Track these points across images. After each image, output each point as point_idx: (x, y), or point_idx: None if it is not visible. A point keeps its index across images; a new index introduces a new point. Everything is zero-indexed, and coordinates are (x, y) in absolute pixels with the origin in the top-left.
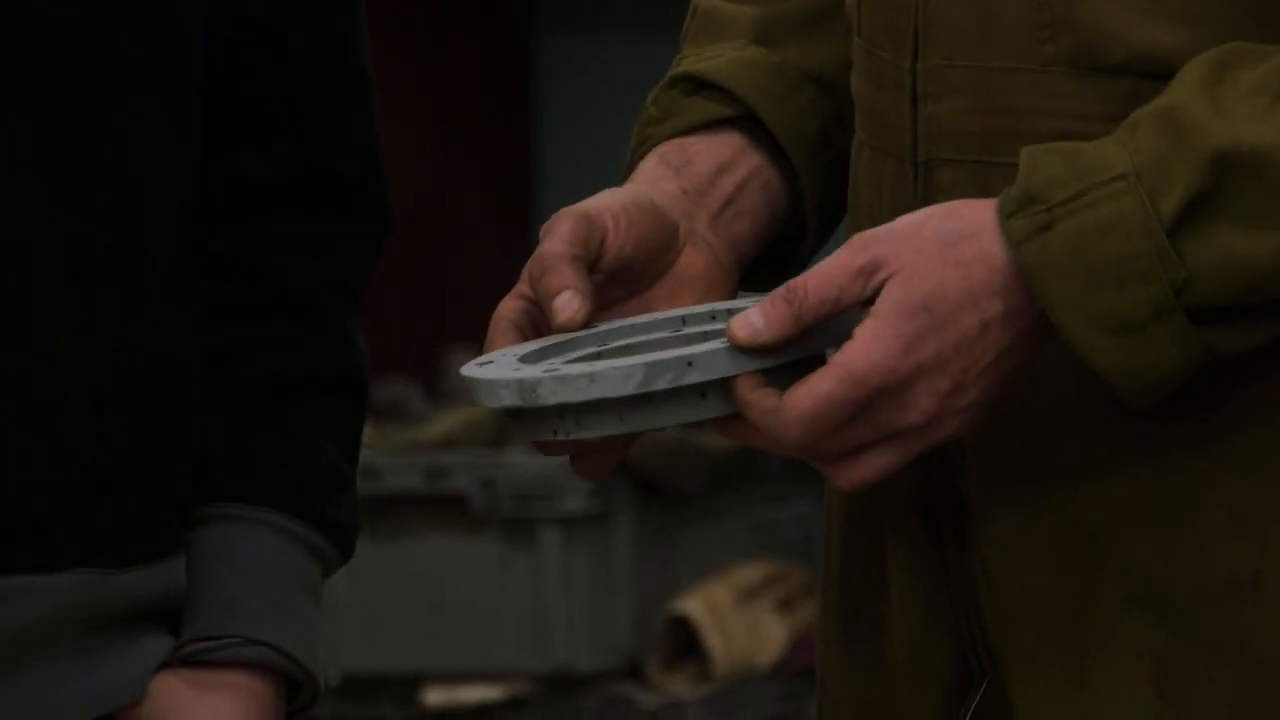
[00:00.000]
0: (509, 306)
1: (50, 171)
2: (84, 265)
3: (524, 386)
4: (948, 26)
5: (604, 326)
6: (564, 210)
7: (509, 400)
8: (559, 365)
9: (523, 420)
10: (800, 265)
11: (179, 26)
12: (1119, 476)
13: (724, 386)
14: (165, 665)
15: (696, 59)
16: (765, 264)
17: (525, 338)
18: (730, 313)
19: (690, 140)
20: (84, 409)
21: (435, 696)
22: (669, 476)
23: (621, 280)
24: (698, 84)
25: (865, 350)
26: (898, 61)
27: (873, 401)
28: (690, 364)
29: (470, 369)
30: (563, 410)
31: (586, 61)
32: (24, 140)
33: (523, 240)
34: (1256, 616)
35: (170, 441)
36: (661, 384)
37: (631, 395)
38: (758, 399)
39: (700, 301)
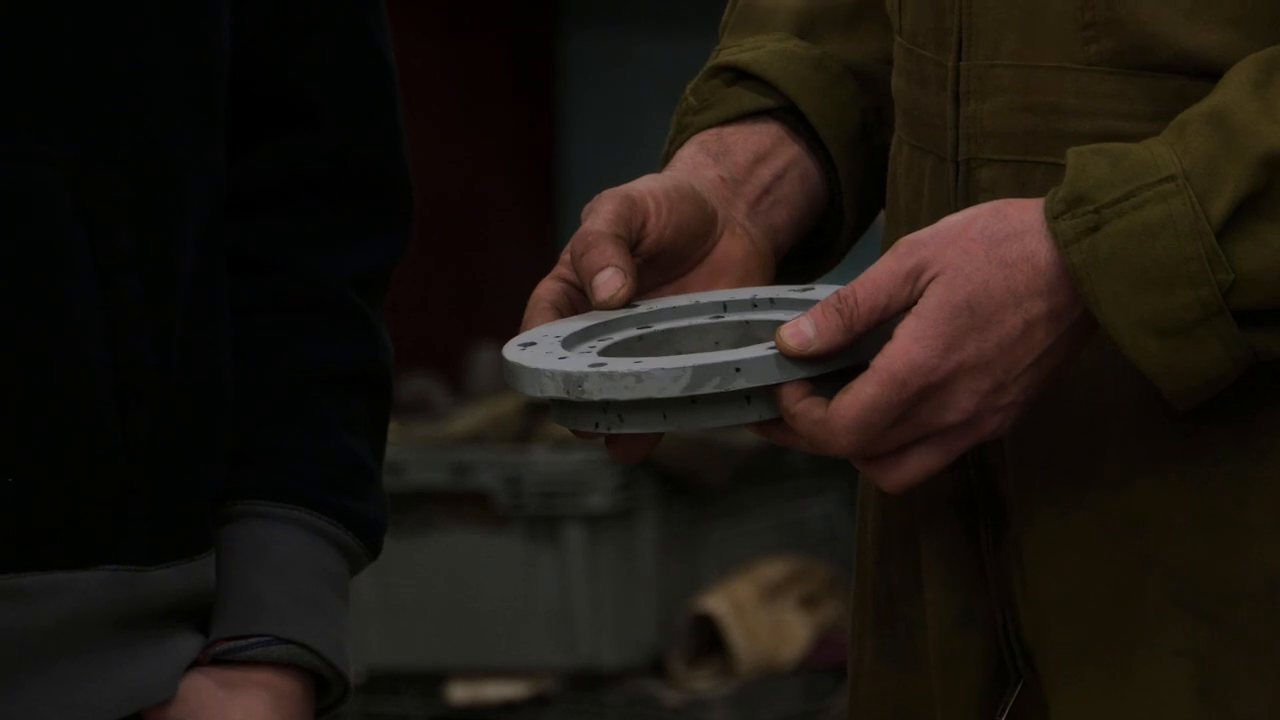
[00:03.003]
0: (547, 287)
1: (77, 169)
2: (111, 262)
3: (570, 380)
4: (992, 25)
5: (644, 308)
6: (607, 191)
7: (553, 392)
8: (604, 359)
9: (565, 410)
10: (837, 257)
11: (205, 23)
12: (1160, 476)
13: (769, 392)
14: (195, 664)
15: (737, 49)
16: (802, 255)
17: (562, 318)
18: (771, 301)
19: (729, 130)
20: (112, 406)
21: (460, 693)
22: (694, 473)
23: (660, 265)
24: (738, 74)
25: (905, 351)
26: (940, 60)
27: (915, 402)
28: (738, 370)
29: (513, 351)
30: (606, 405)
31: (612, 59)
32: (50, 138)
33: (548, 237)
34: None
35: (199, 438)
36: (708, 388)
37: (677, 397)
38: (805, 409)
39: (737, 288)
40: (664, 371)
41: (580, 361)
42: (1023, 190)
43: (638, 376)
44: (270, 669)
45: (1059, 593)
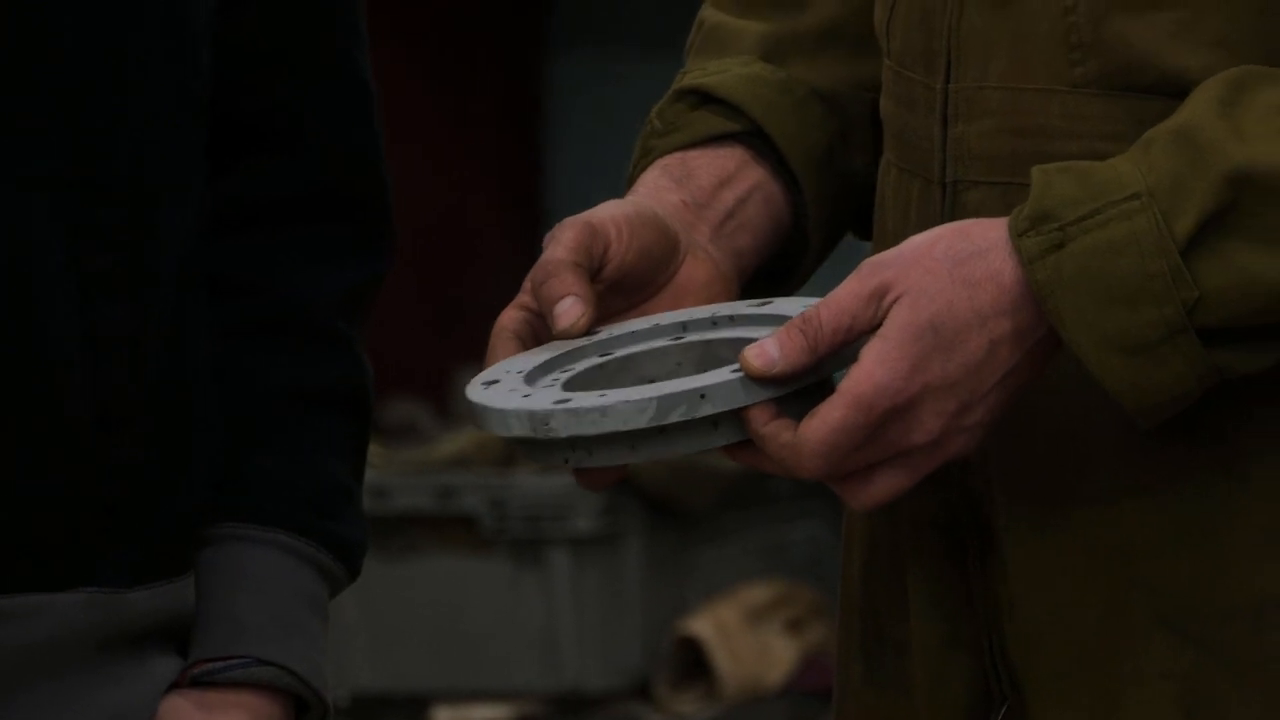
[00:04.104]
0: (510, 317)
1: (57, 189)
2: (91, 282)
3: (535, 419)
4: (981, 48)
5: (604, 334)
6: (568, 219)
7: (520, 431)
8: (568, 394)
9: (533, 447)
10: (802, 280)
11: (187, 47)
12: (1145, 499)
13: (736, 415)
14: (174, 686)
15: (702, 73)
16: (766, 277)
17: (525, 348)
18: (731, 319)
19: (692, 154)
20: (91, 426)
21: (444, 716)
22: (679, 497)
23: (623, 290)
24: (703, 98)
25: (871, 374)
26: (929, 83)
27: (882, 423)
28: (703, 396)
29: (476, 392)
30: (574, 442)
31: (597, 80)
32: (30, 157)
33: (533, 260)
34: None
35: (179, 460)
36: (675, 417)
37: (644, 428)
38: (773, 432)
39: None
40: (629, 404)
41: (545, 398)
42: (1009, 212)
43: (603, 411)
44: (249, 690)
45: (1045, 616)
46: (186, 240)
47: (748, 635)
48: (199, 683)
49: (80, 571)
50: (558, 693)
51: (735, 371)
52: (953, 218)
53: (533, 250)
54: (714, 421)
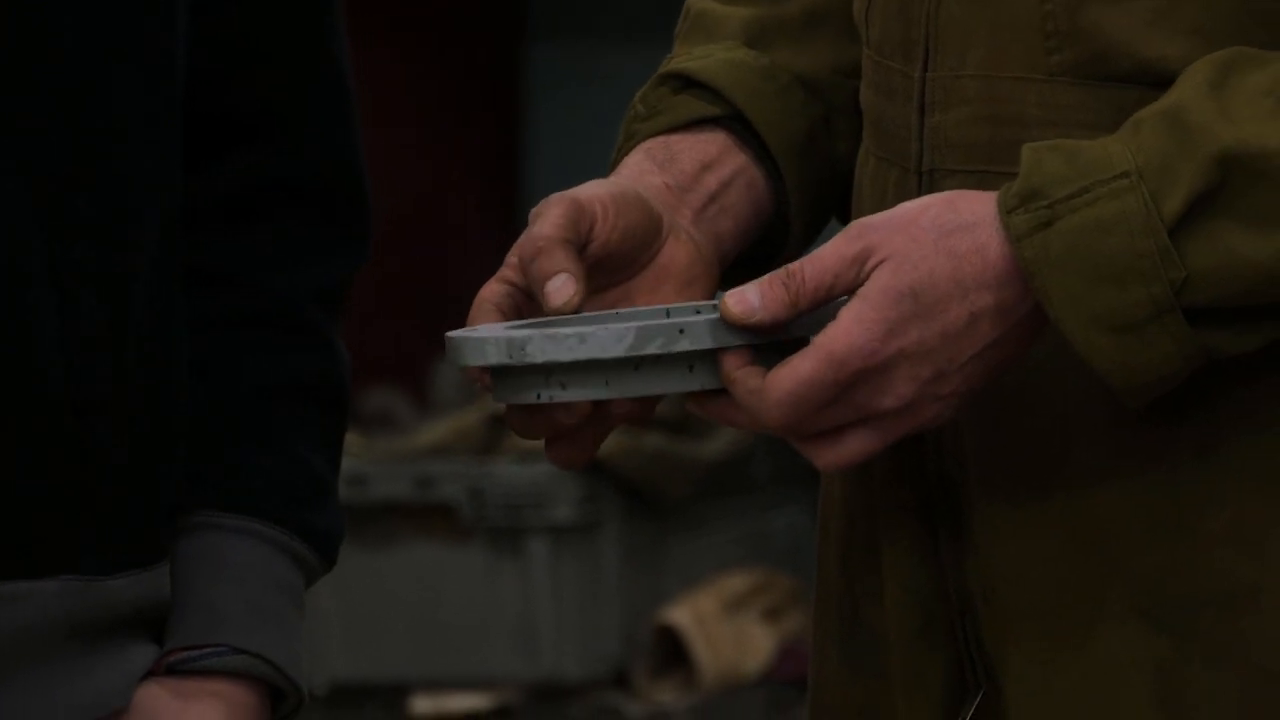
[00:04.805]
0: (491, 290)
1: (33, 181)
2: (68, 273)
3: (513, 344)
4: (958, 36)
5: (587, 316)
6: (554, 196)
7: (495, 358)
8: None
9: (507, 381)
10: (783, 265)
11: (164, 39)
12: (1121, 485)
13: (711, 362)
14: (149, 674)
15: (686, 58)
16: (747, 263)
17: (506, 320)
18: (715, 308)
19: (675, 138)
20: (68, 416)
21: (423, 705)
22: (657, 486)
23: (605, 269)
24: (686, 82)
25: (846, 332)
26: (907, 71)
27: (853, 383)
28: (682, 331)
29: (455, 333)
30: (550, 370)
31: (576, 69)
32: (6, 149)
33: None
34: (1256, 625)
35: (156, 449)
36: (652, 348)
37: (620, 359)
38: (743, 377)
39: (681, 294)
40: (608, 331)
41: (525, 330)
42: None
43: (581, 337)
44: (225, 679)
45: (1019, 602)
46: (164, 233)
47: (726, 624)
48: (174, 671)
49: (57, 559)
50: (536, 681)
51: (716, 315)
52: None
53: (512, 240)
54: (689, 365)
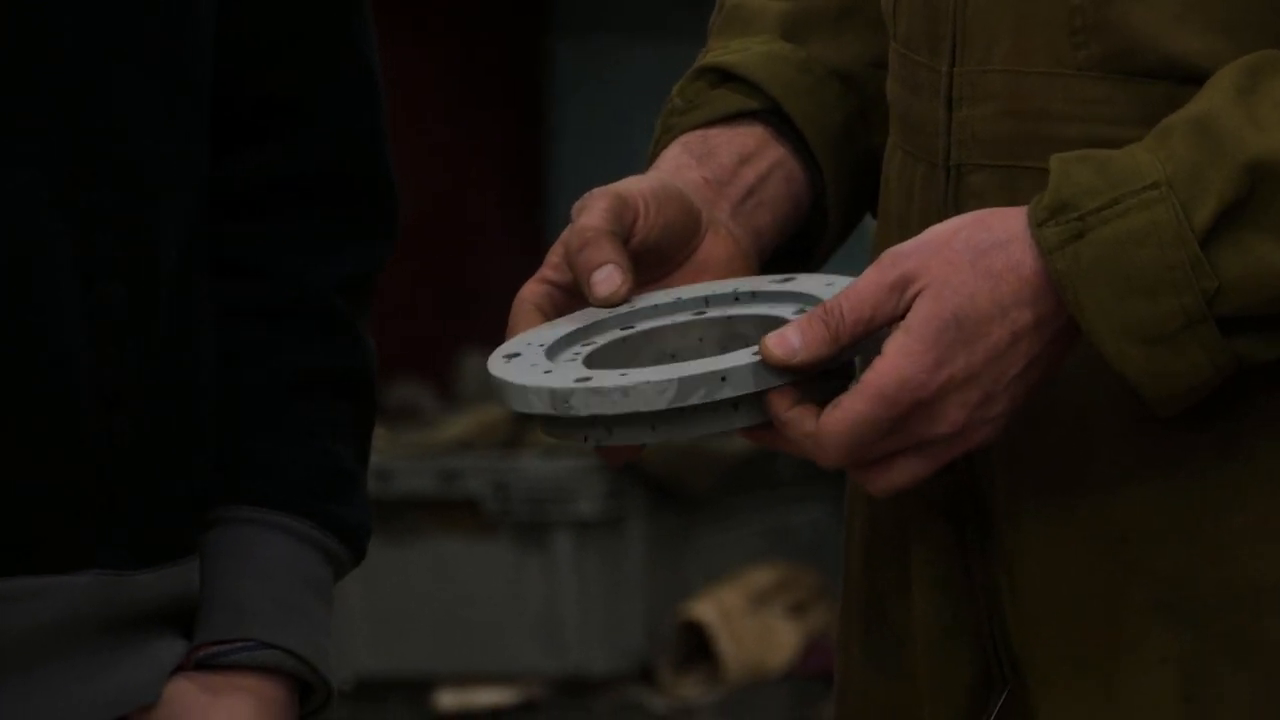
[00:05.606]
0: (532, 290)
1: (59, 171)
2: (93, 265)
3: (556, 396)
4: (985, 31)
5: (626, 307)
6: (598, 189)
7: (541, 408)
8: (589, 371)
9: (554, 424)
10: (822, 259)
11: (190, 28)
12: (1146, 483)
13: (758, 398)
14: (179, 669)
15: (723, 51)
16: (785, 256)
17: (547, 319)
18: (754, 295)
19: (713, 131)
20: (96, 409)
21: (447, 699)
22: (682, 480)
23: (644, 264)
24: (723, 76)
25: (895, 367)
26: (934, 66)
27: (905, 415)
28: (724, 379)
29: (498, 366)
30: (594, 420)
31: (600, 64)
32: (32, 139)
33: (535, 243)
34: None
35: (183, 443)
36: (695, 399)
37: (664, 410)
38: (794, 419)
39: None
40: (650, 385)
41: (566, 374)
42: (1011, 196)
43: (624, 391)
44: (253, 674)
45: (1046, 601)
46: (190, 224)
47: (750, 619)
48: (203, 665)
49: (86, 554)
50: (560, 676)
51: (756, 354)
52: (956, 201)
53: (535, 234)
54: (734, 404)
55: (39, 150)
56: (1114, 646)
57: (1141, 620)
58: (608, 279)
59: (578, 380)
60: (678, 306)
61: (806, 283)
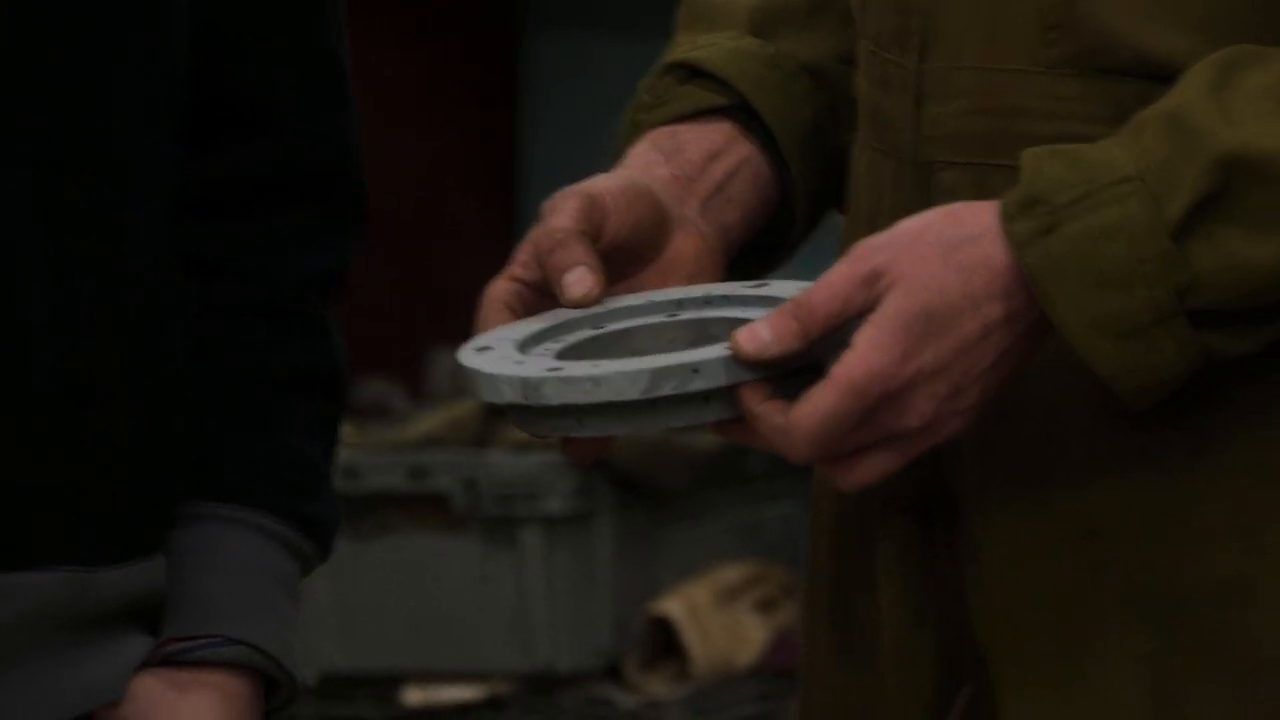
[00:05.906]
0: (500, 288)
1: (31, 168)
2: (65, 262)
3: (528, 385)
4: (955, 28)
5: (598, 307)
6: (568, 189)
7: (511, 397)
8: (561, 363)
9: (524, 414)
10: (788, 254)
11: (164, 26)
12: (1117, 478)
13: (729, 392)
14: (145, 665)
15: (691, 47)
16: (753, 252)
17: (516, 318)
18: (726, 298)
19: (682, 128)
20: (65, 406)
21: (415, 696)
22: (651, 476)
23: (615, 262)
24: (691, 72)
25: (864, 359)
26: (903, 63)
27: (875, 408)
28: (696, 371)
29: (469, 356)
30: (565, 409)
31: (573, 61)
32: (9, 135)
33: (507, 240)
34: (1250, 619)
35: (152, 440)
36: (666, 390)
37: (636, 400)
38: (765, 413)
39: (688, 285)
40: (622, 375)
41: (538, 365)
42: (982, 193)
43: (595, 380)
44: (219, 670)
45: (1013, 595)
46: (161, 220)
47: (719, 615)
48: (169, 661)
49: (54, 551)
50: (528, 672)
51: (728, 349)
52: (925, 199)
53: (508, 231)
54: (705, 397)
55: (14, 150)
56: (1082, 642)
57: (1109, 616)
58: (580, 280)
59: (549, 370)
60: (650, 309)
61: (780, 288)
